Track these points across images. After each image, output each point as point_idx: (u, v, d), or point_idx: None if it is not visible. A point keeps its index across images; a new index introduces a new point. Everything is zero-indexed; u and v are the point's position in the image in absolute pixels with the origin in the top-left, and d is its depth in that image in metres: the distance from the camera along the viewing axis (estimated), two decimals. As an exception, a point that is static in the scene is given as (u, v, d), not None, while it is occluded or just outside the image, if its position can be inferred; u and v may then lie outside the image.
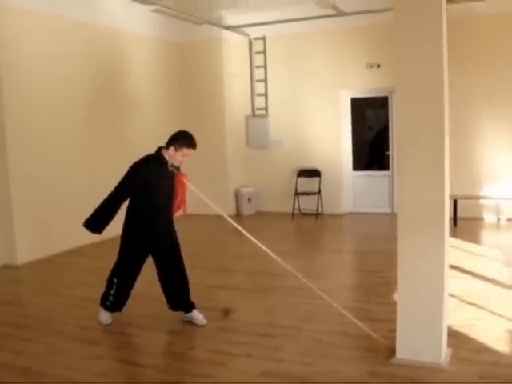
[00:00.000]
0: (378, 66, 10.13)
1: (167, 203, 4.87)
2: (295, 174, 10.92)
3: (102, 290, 5.02)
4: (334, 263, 7.41)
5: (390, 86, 9.86)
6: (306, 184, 10.83)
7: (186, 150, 4.82)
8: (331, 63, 10.49)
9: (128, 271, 4.95)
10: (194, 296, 4.99)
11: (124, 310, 5.10)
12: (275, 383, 3.80)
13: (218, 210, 4.79)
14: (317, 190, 10.72)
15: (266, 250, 4.66)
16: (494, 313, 5.05)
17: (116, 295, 4.94)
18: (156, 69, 10.31)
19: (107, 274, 4.97)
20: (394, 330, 4.23)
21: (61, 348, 4.51)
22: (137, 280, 5.00)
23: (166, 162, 4.81)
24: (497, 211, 9.73)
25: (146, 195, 4.74)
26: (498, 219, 9.70)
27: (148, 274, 5.09)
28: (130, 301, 5.19)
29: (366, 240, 8.74)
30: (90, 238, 8.17)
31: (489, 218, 9.75)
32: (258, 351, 4.33)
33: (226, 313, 4.44)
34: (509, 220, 9.54)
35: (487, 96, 9.34)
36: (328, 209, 10.78)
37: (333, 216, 10.66)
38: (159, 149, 4.89)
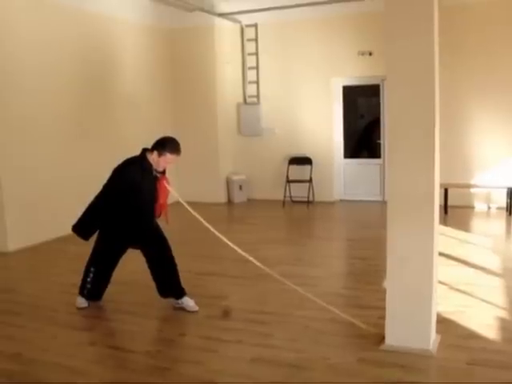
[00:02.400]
0: (370, 53, 10.12)
1: (149, 206, 4.88)
2: (286, 162, 10.93)
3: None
4: (325, 251, 7.44)
5: (381, 74, 9.77)
6: (297, 172, 10.84)
7: (169, 156, 4.84)
8: (323, 51, 10.46)
9: (106, 262, 5.01)
10: (184, 283, 5.01)
11: (115, 297, 5.12)
12: (265, 369, 3.82)
13: (186, 205, 4.82)
14: (308, 178, 10.74)
15: (221, 236, 4.68)
16: (482, 300, 5.10)
17: (93, 284, 5.00)
18: (147, 56, 10.26)
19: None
20: (383, 317, 4.26)
21: (52, 334, 4.52)
22: (115, 270, 5.04)
23: (151, 166, 4.83)
24: (487, 200, 9.79)
25: (130, 198, 4.75)
26: (489, 208, 9.76)
27: (138, 262, 5.09)
28: (120, 288, 5.23)
29: (356, 228, 8.77)
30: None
31: (479, 206, 9.81)
32: (248, 337, 4.35)
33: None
34: (499, 208, 9.60)
35: (478, 84, 9.36)
36: (319, 196, 10.81)
37: (324, 204, 10.69)
38: (144, 151, 4.91)
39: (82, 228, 4.94)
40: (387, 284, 4.10)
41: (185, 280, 5.05)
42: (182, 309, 4.94)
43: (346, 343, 4.21)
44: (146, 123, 10.10)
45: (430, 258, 3.91)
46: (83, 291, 5.04)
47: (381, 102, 10.53)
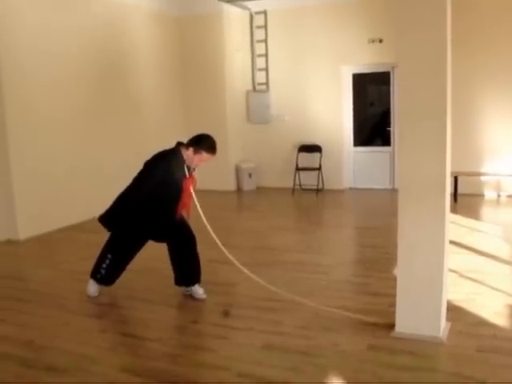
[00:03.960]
0: (381, 40, 10.06)
1: (175, 202, 4.81)
2: (296, 150, 10.92)
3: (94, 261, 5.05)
4: (334, 238, 7.45)
5: (392, 62, 9.81)
6: (306, 159, 10.83)
7: (205, 155, 4.79)
8: (333, 38, 10.41)
9: (124, 251, 4.97)
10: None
11: (127, 283, 5.15)
12: (276, 356, 3.84)
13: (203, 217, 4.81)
14: (317, 166, 10.73)
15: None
16: (493, 288, 5.09)
17: (108, 270, 4.96)
18: (156, 43, 10.24)
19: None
20: (393, 305, 4.27)
21: (64, 322, 4.55)
22: (133, 259, 5.02)
23: (184, 161, 4.77)
24: (497, 188, 9.74)
25: (160, 191, 4.68)
26: (499, 196, 9.72)
27: (150, 249, 5.12)
28: (132, 274, 5.26)
29: (366, 216, 8.77)
30: (90, 213, 8.31)
31: (489, 194, 9.77)
32: (258, 325, 4.37)
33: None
34: (509, 196, 9.57)
35: (490, 72, 9.29)
36: (329, 184, 10.80)
37: (333, 192, 10.69)
38: (178, 145, 4.83)
39: (110, 219, 4.83)
40: (398, 272, 4.10)
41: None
42: (191, 296, 4.97)
43: (356, 330, 4.22)
44: (156, 111, 10.12)
45: (441, 245, 3.91)
46: (96, 275, 5.00)
47: (391, 89, 10.47)
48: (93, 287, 5.07)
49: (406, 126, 3.87)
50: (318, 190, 10.68)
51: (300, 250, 6.67)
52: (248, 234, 7.62)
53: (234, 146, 11.20)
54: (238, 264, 4.78)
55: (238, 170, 11.30)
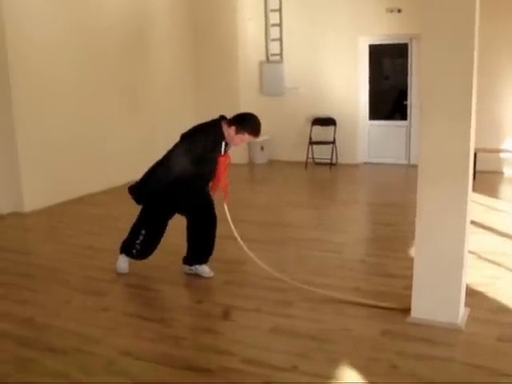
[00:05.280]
0: (399, 10, 9.65)
1: (208, 177, 4.59)
2: (310, 123, 10.62)
3: (124, 237, 4.84)
4: (348, 215, 7.22)
5: (411, 32, 9.46)
6: (320, 133, 10.55)
7: (247, 136, 4.53)
8: (349, 7, 10.00)
9: (157, 225, 4.73)
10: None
11: (131, 260, 4.98)
12: (284, 340, 3.66)
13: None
14: (332, 139, 10.45)
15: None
16: (512, 271, 4.88)
17: (142, 245, 4.72)
18: (167, 13, 9.90)
19: (114, 222, 4.76)
20: (408, 287, 4.08)
21: (66, 299, 4.40)
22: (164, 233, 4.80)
23: (223, 138, 4.50)
24: (517, 165, 9.44)
25: (196, 166, 4.43)
26: (519, 173, 9.42)
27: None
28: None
29: (381, 192, 8.52)
30: (97, 186, 8.16)
31: (508, 171, 9.46)
32: (267, 306, 4.19)
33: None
34: (530, 174, 9.26)
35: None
36: (343, 159, 10.53)
37: (347, 166, 10.43)
38: (221, 119, 4.56)
39: (140, 191, 4.58)
40: (415, 253, 3.88)
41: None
42: (196, 275, 4.79)
43: (369, 314, 4.02)
44: (167, 83, 9.85)
45: (463, 226, 3.68)
46: (131, 251, 4.76)
47: (409, 61, 10.11)
48: (124, 263, 4.86)
49: (429, 99, 3.61)
50: (331, 164, 10.42)
51: (312, 227, 6.45)
52: (259, 208, 7.42)
53: None
54: (244, 247, 4.56)
55: (249, 143, 11.00)
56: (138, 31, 9.13)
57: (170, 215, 4.74)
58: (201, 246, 4.74)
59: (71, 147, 7.78)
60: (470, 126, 3.54)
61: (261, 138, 10.85)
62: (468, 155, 3.60)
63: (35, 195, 7.24)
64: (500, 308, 4.10)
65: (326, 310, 4.11)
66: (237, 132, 4.47)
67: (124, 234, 4.84)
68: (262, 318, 3.99)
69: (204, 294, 4.56)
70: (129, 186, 4.65)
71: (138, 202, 4.65)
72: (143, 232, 4.71)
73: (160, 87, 9.65)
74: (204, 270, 4.77)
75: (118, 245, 4.86)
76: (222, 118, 4.57)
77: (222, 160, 4.53)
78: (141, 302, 4.43)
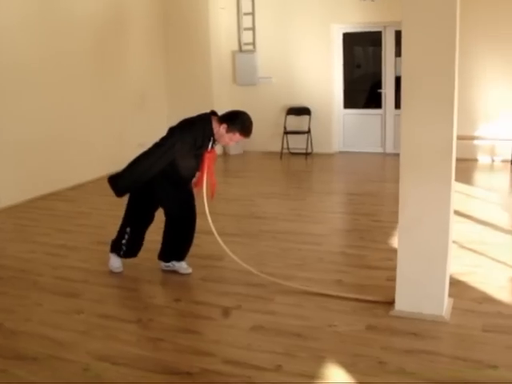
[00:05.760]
0: (372, -2, 9.57)
1: (191, 174, 4.41)
2: (284, 112, 10.50)
3: (113, 236, 4.70)
4: (325, 205, 7.12)
5: (384, 20, 9.38)
6: (295, 122, 10.44)
7: (237, 136, 4.33)
8: (323, -6, 9.89)
9: (141, 220, 4.56)
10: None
11: (104, 258, 4.79)
12: (267, 339, 3.52)
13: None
14: (306, 129, 10.34)
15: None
16: (494, 259, 4.82)
17: (128, 244, 4.57)
18: (138, 3, 9.64)
19: (86, 219, 4.57)
20: (391, 279, 4.01)
21: (36, 302, 4.19)
22: (149, 226, 4.64)
23: (212, 135, 4.29)
24: (491, 152, 9.43)
25: (182, 161, 4.25)
26: (493, 160, 9.41)
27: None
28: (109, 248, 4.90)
29: (357, 181, 8.42)
30: (68, 181, 7.93)
31: (483, 159, 9.46)
32: (247, 303, 4.05)
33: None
34: (504, 161, 9.25)
35: (485, 32, 8.86)
36: (318, 148, 10.44)
37: (323, 155, 10.34)
38: (211, 114, 4.35)
39: (121, 183, 4.29)
40: (398, 244, 3.77)
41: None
42: (174, 272, 4.64)
43: (353, 308, 3.91)
44: (138, 75, 9.62)
45: (447, 216, 3.59)
46: (119, 252, 4.61)
47: (383, 49, 10.03)
48: (117, 262, 4.69)
49: (412, 86, 3.50)
50: (306, 154, 10.32)
51: (290, 219, 6.32)
52: (235, 201, 7.27)
53: (219, 109, 10.38)
54: (221, 243, 4.41)
55: (223, 134, 10.87)
56: (108, 22, 8.86)
57: (153, 209, 4.57)
58: (180, 242, 4.58)
59: (39, 142, 7.50)
60: (453, 112, 3.46)
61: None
62: (451, 143, 3.51)
63: (4, 191, 6.96)
64: (483, 298, 4.03)
65: (309, 305, 3.99)
66: (227, 131, 4.28)
67: (96, 231, 4.66)
68: (243, 316, 3.86)
69: (181, 291, 4.39)
70: (109, 176, 4.36)
71: (118, 194, 4.35)
72: (128, 230, 4.54)
73: (131, 80, 9.42)
74: (182, 266, 4.62)
75: (91, 242, 4.68)
76: (213, 113, 4.38)
77: (207, 156, 4.33)
78: (116, 302, 4.24)
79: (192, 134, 4.22)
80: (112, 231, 4.75)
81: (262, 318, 3.80)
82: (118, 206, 4.75)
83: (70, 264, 4.96)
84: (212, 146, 4.35)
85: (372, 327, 3.63)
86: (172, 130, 4.28)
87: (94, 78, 8.57)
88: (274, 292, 4.22)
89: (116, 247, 4.64)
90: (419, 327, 3.58)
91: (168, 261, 4.64)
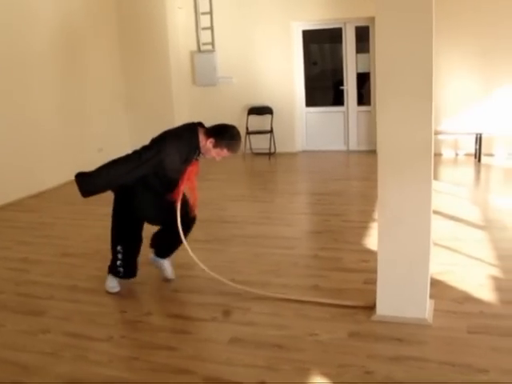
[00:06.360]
0: (332, -6, 9.49)
1: (171, 187, 4.13)
2: (245, 112, 10.36)
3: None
4: (294, 207, 6.99)
5: (344, 17, 9.32)
6: (257, 122, 10.31)
7: (225, 151, 4.06)
8: (282, -8, 9.76)
9: (131, 235, 4.24)
10: (144, 250, 4.38)
11: (69, 271, 4.57)
12: (246, 352, 3.36)
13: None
14: (269, 129, 10.23)
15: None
16: (470, 256, 4.76)
17: (124, 263, 4.23)
18: (93, 3, 9.34)
19: (49, 229, 4.29)
20: (368, 281, 3.90)
21: (-3, 322, 3.93)
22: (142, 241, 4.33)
23: (198, 148, 4.04)
24: (455, 146, 9.49)
25: (159, 172, 4.00)
26: (456, 154, 9.47)
27: (97, 229, 4.51)
28: (72, 260, 4.67)
29: (323, 180, 8.31)
30: (28, 189, 7.60)
31: (447, 153, 9.50)
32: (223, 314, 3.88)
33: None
34: (467, 155, 9.32)
35: (447, 26, 8.86)
36: (281, 147, 10.34)
37: (286, 155, 10.25)
38: (198, 126, 4.08)
39: (89, 182, 3.92)
40: (378, 247, 3.65)
41: (146, 247, 4.42)
42: (156, 268, 4.51)
43: (334, 314, 3.77)
44: (95, 78, 9.32)
45: (427, 216, 3.50)
46: (117, 274, 4.28)
47: (343, 46, 9.96)
48: (112, 282, 4.34)
49: (387, 82, 3.39)
50: (270, 154, 10.21)
51: (260, 222, 6.16)
52: (202, 205, 7.00)
53: (179, 111, 10.49)
54: (190, 252, 4.23)
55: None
56: (62, 25, 8.54)
57: (141, 222, 4.28)
58: (166, 246, 4.46)
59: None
60: (431, 108, 3.38)
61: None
62: (430, 140, 3.42)
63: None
64: (464, 297, 3.95)
65: (287, 313, 3.84)
66: (215, 145, 4.03)
67: (60, 243, 4.41)
68: (220, 328, 3.68)
69: (153, 304, 4.19)
70: (77, 173, 3.98)
71: (84, 193, 3.96)
72: (119, 249, 4.20)
73: (88, 83, 9.13)
74: (169, 269, 4.49)
75: (55, 255, 4.43)
76: (199, 125, 4.12)
77: (189, 169, 4.10)
78: (84, 319, 3.96)
79: (179, 149, 3.96)
80: (77, 242, 4.52)
81: (240, 330, 3.63)
82: (83, 214, 4.54)
83: (33, 279, 4.69)
84: (196, 159, 4.13)
85: (354, 334, 3.50)
86: (156, 142, 3.99)
87: (53, 82, 8.27)
88: (250, 300, 4.05)
89: (113, 269, 4.30)
90: (403, 332, 3.47)
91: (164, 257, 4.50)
